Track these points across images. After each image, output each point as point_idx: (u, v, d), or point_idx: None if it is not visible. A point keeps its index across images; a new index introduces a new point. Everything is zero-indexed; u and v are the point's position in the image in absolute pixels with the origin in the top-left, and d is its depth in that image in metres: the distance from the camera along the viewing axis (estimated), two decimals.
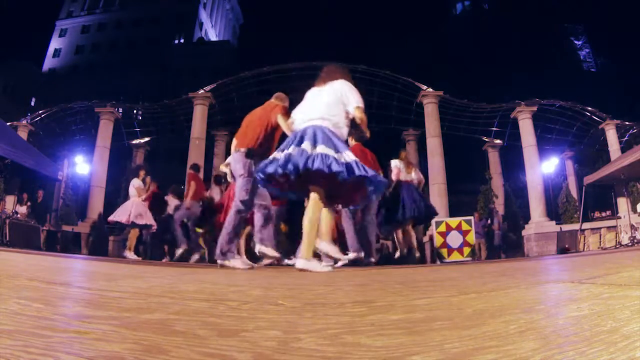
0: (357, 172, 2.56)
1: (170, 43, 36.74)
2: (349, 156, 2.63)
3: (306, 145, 2.60)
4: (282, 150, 2.71)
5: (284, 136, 3.14)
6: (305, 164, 2.53)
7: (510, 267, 2.53)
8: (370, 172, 2.64)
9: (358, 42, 53.65)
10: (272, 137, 3.41)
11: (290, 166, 2.56)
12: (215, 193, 7.10)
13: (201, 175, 8.49)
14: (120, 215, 6.62)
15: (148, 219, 6.74)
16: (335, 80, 2.94)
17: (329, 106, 2.81)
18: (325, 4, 58.13)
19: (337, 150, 2.62)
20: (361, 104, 2.87)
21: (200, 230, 6.74)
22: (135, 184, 6.86)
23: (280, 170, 2.63)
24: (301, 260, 2.66)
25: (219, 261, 3.25)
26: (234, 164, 3.39)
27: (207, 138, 12.36)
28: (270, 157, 2.76)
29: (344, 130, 2.86)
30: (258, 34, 60.41)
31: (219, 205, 4.90)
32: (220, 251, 3.23)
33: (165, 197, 7.39)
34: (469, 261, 7.76)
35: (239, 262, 3.29)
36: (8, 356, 0.44)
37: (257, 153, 3.27)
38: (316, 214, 2.73)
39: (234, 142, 3.54)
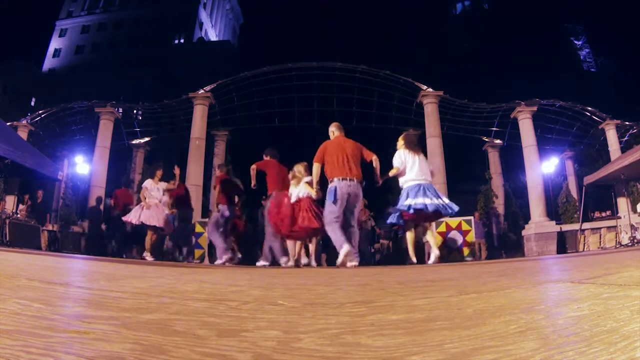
0: (455, 208, 4.58)
1: (170, 43, 36.70)
2: (444, 200, 4.57)
3: (437, 199, 4.48)
4: (412, 197, 4.50)
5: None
6: (439, 209, 4.46)
7: (510, 267, 2.53)
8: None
9: (358, 42, 53.60)
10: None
11: (431, 209, 4.39)
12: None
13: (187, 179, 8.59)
14: (142, 216, 6.25)
15: (161, 221, 6.44)
16: (420, 151, 4.75)
17: (427, 170, 4.70)
18: (325, 4, 58.09)
19: (442, 199, 4.53)
20: None
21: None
22: (148, 185, 6.50)
23: (419, 208, 4.38)
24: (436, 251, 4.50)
25: (350, 264, 3.93)
26: (357, 190, 4.34)
27: (207, 138, 12.35)
28: (414, 203, 4.44)
29: None
30: (258, 34, 60.49)
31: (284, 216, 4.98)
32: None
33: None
34: (469, 261, 7.76)
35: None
36: (8, 356, 0.44)
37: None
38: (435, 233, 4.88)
39: (317, 170, 4.43)
